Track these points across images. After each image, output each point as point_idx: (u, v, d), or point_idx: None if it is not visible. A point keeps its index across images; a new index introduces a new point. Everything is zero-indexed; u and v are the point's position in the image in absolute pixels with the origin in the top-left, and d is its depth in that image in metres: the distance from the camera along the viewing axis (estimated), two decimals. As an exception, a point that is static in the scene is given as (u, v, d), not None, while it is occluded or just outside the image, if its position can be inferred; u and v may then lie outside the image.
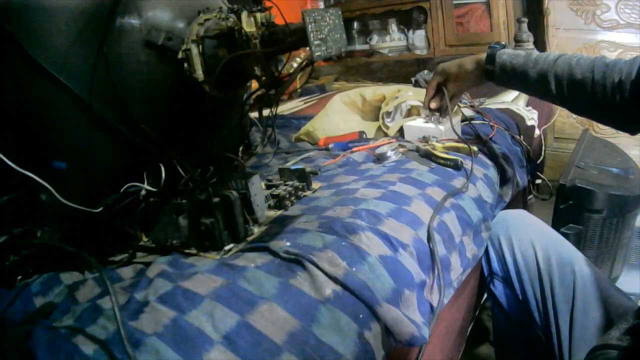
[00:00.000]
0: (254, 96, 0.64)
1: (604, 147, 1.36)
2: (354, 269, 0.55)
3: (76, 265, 0.62)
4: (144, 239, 0.67)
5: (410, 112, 1.11)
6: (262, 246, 0.59)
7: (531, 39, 1.87)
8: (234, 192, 0.60)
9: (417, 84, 1.60)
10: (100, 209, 0.61)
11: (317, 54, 0.51)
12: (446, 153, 0.89)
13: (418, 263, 0.62)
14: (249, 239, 0.63)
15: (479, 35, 2.03)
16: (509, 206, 1.00)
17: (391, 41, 2.28)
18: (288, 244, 0.58)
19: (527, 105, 1.36)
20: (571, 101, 0.79)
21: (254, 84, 0.65)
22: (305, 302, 0.51)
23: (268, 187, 0.78)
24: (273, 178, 0.84)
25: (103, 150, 0.62)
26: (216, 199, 0.59)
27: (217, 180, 0.62)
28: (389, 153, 0.91)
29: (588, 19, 1.88)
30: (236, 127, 0.78)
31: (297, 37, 0.53)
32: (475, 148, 0.93)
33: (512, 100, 1.41)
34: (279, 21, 0.57)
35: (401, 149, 0.94)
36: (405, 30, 2.26)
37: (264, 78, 0.57)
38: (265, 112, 0.66)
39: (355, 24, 2.39)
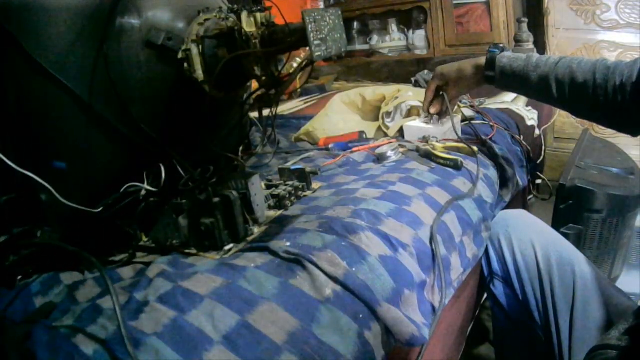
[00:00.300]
0: (254, 96, 0.64)
1: (604, 147, 1.36)
2: (354, 269, 0.55)
3: (76, 265, 0.62)
4: (144, 239, 0.67)
5: (410, 113, 1.11)
6: (262, 246, 0.59)
7: (531, 39, 1.87)
8: (234, 192, 0.60)
9: (417, 84, 1.60)
10: (100, 209, 0.61)
11: (317, 54, 0.51)
12: (446, 153, 0.89)
13: (418, 263, 0.62)
14: (249, 239, 0.63)
15: (479, 35, 2.03)
16: (509, 206, 1.00)
17: (391, 41, 2.28)
18: (288, 244, 0.58)
19: (527, 105, 1.36)
20: (572, 104, 0.79)
21: (254, 84, 0.65)
22: (305, 302, 0.51)
23: (268, 187, 0.78)
24: (273, 178, 0.84)
25: (103, 150, 0.62)
26: (216, 199, 0.59)
27: (217, 180, 0.62)
28: (389, 153, 0.91)
29: (588, 19, 1.88)
30: (236, 127, 0.78)
31: (297, 37, 0.53)
32: (475, 148, 0.93)
33: (512, 100, 1.41)
34: (279, 21, 0.57)
35: (401, 149, 0.94)
36: (405, 30, 2.26)
37: (264, 78, 0.57)
38: (265, 112, 0.66)
39: (355, 24, 2.39)
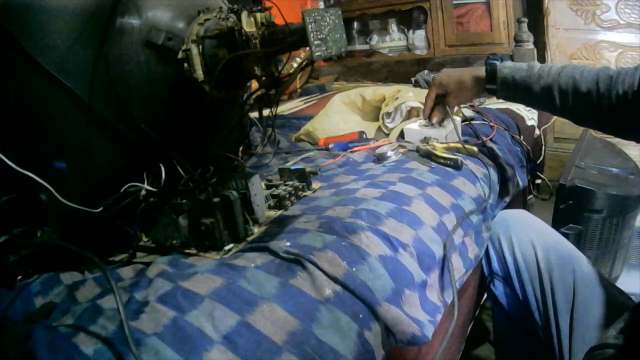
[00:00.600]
0: (254, 96, 0.64)
1: (604, 147, 1.36)
2: (354, 269, 0.55)
3: (76, 265, 0.62)
4: (144, 239, 0.67)
5: (411, 114, 1.11)
6: (262, 246, 0.59)
7: (531, 39, 1.87)
8: (234, 192, 0.60)
9: (417, 84, 1.60)
10: (100, 209, 0.61)
11: (317, 54, 0.51)
12: (446, 152, 0.89)
13: (418, 263, 0.62)
14: (249, 239, 0.63)
15: (479, 35, 2.03)
16: (509, 206, 1.00)
17: (391, 41, 2.28)
18: (288, 244, 0.58)
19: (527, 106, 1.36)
20: (576, 113, 0.79)
21: (254, 84, 0.65)
22: (305, 302, 0.51)
23: (268, 187, 0.78)
24: (273, 178, 0.84)
25: (103, 150, 0.62)
26: (216, 199, 0.59)
27: (217, 180, 0.62)
28: (389, 153, 0.91)
29: (588, 19, 1.88)
30: (236, 127, 0.78)
31: (297, 37, 0.53)
32: (475, 148, 0.93)
33: (512, 100, 1.40)
34: (279, 21, 0.57)
35: (401, 149, 0.94)
36: (405, 30, 2.26)
37: (264, 78, 0.57)
38: (265, 112, 0.66)
39: (355, 24, 2.39)
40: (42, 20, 0.57)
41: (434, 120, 0.98)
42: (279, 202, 0.73)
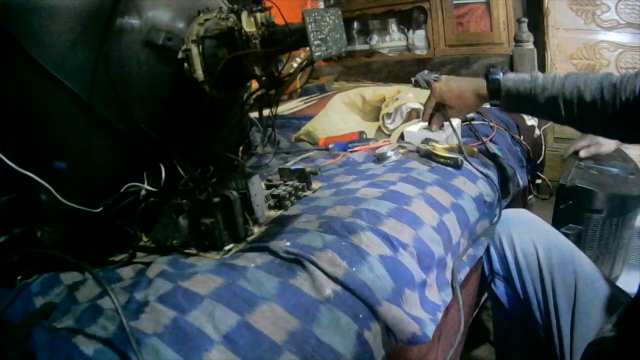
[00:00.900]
0: (254, 96, 0.64)
1: (604, 147, 1.36)
2: (354, 269, 0.55)
3: (76, 266, 0.62)
4: (144, 239, 0.67)
5: (411, 115, 1.11)
6: (262, 246, 0.59)
7: (531, 39, 1.87)
8: (234, 192, 0.60)
9: (417, 84, 1.60)
10: (100, 209, 0.61)
11: (317, 54, 0.51)
12: (446, 152, 0.89)
13: (418, 263, 0.62)
14: (249, 239, 0.63)
15: (479, 35, 2.03)
16: (509, 206, 1.00)
17: (391, 41, 2.28)
18: (288, 244, 0.58)
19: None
20: (581, 122, 0.79)
21: (254, 84, 0.65)
22: (305, 302, 0.51)
23: (268, 187, 0.78)
24: (273, 178, 0.84)
25: (103, 150, 0.62)
26: (216, 199, 0.59)
27: (217, 180, 0.62)
28: (389, 153, 0.91)
29: (588, 19, 1.88)
30: (236, 127, 0.78)
31: (297, 37, 0.53)
32: (475, 148, 0.93)
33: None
34: (279, 21, 0.57)
35: (401, 150, 0.94)
36: (405, 30, 2.26)
37: (264, 78, 0.57)
38: (265, 112, 0.66)
39: (355, 24, 2.39)
40: (42, 20, 0.57)
41: (433, 128, 0.98)
42: (279, 202, 0.73)
